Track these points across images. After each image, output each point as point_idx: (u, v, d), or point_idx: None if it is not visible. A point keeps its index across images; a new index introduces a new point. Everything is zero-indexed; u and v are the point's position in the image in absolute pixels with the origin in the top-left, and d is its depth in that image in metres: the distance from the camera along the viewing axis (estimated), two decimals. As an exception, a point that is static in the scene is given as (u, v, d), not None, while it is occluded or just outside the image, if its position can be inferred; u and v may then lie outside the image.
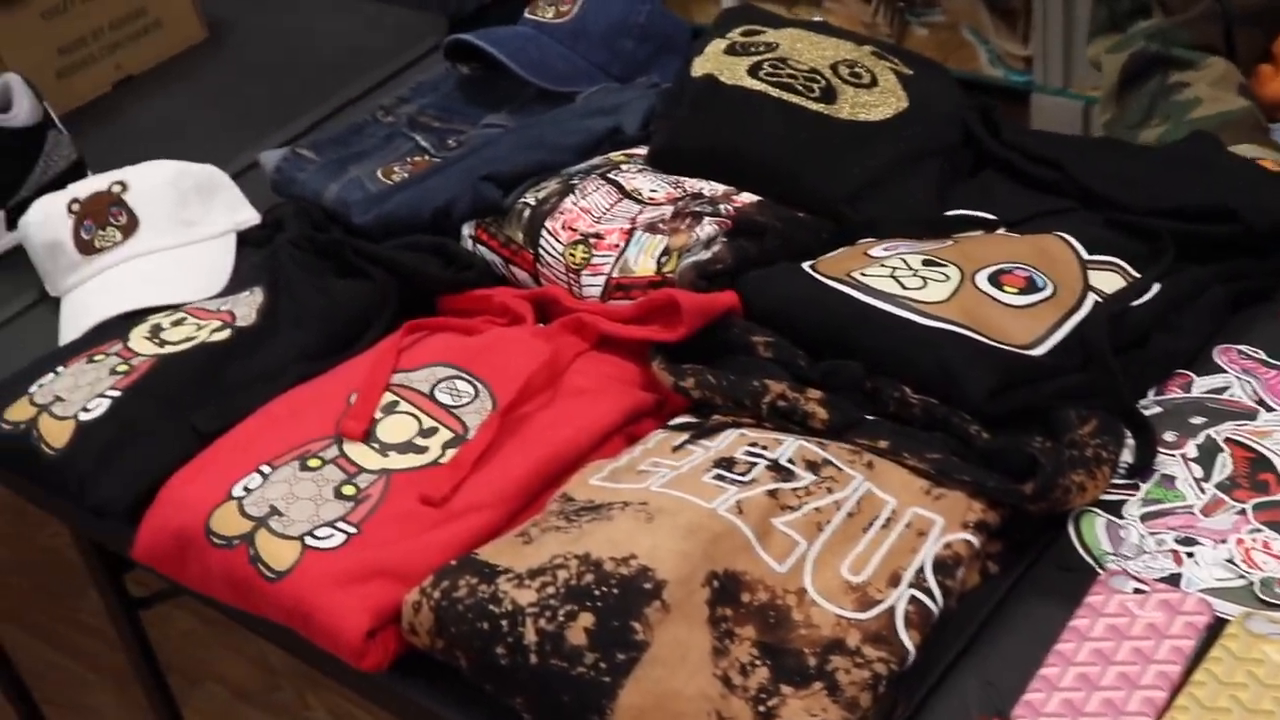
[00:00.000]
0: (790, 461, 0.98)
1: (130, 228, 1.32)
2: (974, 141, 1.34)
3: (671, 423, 1.05)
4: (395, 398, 1.07)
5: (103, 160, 1.52)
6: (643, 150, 1.31)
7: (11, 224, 1.44)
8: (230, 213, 1.38)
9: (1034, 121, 2.67)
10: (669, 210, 1.19)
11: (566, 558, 0.90)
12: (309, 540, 0.96)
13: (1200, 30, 1.54)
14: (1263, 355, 1.11)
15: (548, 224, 1.21)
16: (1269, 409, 1.05)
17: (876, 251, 1.15)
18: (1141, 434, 1.02)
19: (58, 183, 1.45)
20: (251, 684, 2.17)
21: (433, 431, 1.04)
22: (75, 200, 1.33)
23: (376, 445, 1.03)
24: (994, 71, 2.70)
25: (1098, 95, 1.65)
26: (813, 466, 0.97)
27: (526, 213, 1.23)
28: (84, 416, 1.10)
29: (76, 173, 1.51)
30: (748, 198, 1.21)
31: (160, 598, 1.49)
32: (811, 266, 1.14)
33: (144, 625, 1.57)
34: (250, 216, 1.39)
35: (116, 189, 1.33)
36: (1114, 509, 0.99)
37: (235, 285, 1.27)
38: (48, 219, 1.33)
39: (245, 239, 1.37)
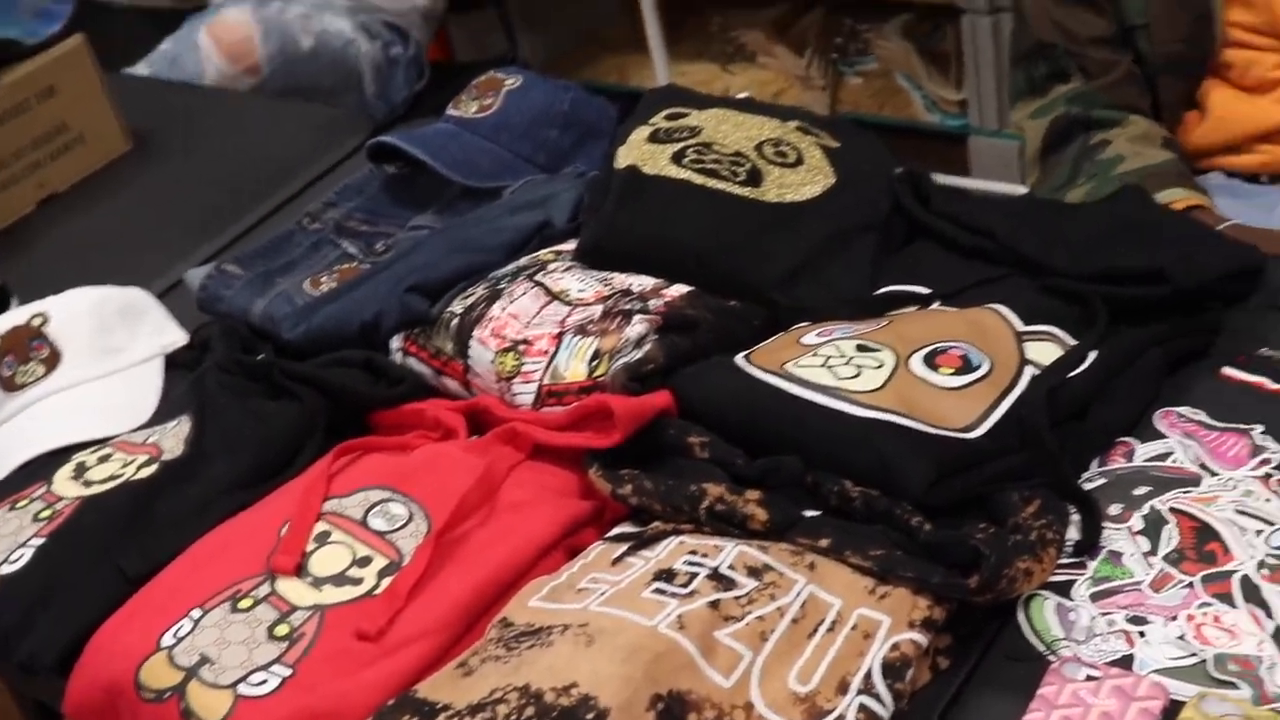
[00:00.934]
0: (731, 569, 0.96)
1: (53, 361, 1.30)
2: (905, 211, 1.33)
3: (611, 534, 1.03)
4: (328, 527, 1.04)
5: (27, 282, 1.50)
6: (571, 246, 1.30)
7: (-66, 361, 1.42)
8: (156, 336, 1.36)
9: (973, 164, 2.67)
10: (598, 310, 1.18)
11: (506, 690, 0.87)
12: (242, 688, 0.93)
13: (1121, 91, 1.55)
14: (1203, 417, 1.09)
15: (476, 333, 1.19)
16: (1212, 473, 1.04)
17: (810, 338, 1.14)
18: (1086, 510, 1.00)
19: (-19, 314, 1.43)
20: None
21: (367, 561, 1.02)
22: (-6, 336, 1.31)
23: (310, 579, 1.00)
24: (929, 117, 2.70)
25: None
26: (754, 572, 0.95)
27: (454, 322, 1.21)
28: (6, 570, 1.07)
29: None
30: (678, 290, 1.20)
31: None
32: (745, 358, 1.12)
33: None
34: (177, 338, 1.37)
35: (37, 321, 1.31)
36: (1063, 590, 0.98)
37: (163, 413, 1.25)
38: (-33, 357, 1.31)
39: (173, 361, 1.35)
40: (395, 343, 1.25)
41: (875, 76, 2.81)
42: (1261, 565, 0.96)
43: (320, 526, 1.04)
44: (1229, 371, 1.13)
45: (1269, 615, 0.92)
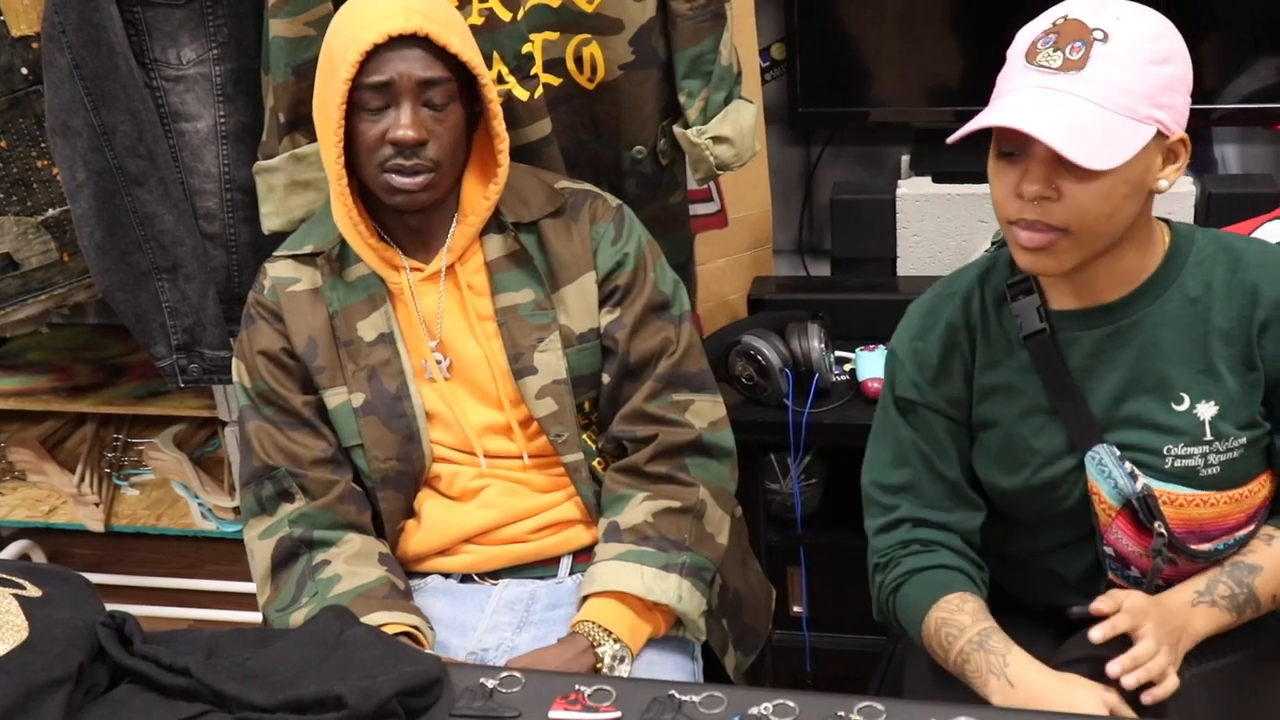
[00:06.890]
0: None
1: None
2: (108, 656, 1.33)
3: None
4: None
5: None
6: None
7: None
8: None
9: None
10: None
11: None
12: None
13: (342, 509, 1.66)
14: None
15: None
16: None
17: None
18: None
19: None
20: None
21: None
22: None
23: None
24: (206, 524, 2.72)
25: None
26: None
27: None
28: None
29: None
30: None
31: None
32: None
33: None
34: None
35: None
36: None
37: None
38: None
39: None
40: None
41: (153, 487, 2.82)
42: None
43: None
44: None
45: None
